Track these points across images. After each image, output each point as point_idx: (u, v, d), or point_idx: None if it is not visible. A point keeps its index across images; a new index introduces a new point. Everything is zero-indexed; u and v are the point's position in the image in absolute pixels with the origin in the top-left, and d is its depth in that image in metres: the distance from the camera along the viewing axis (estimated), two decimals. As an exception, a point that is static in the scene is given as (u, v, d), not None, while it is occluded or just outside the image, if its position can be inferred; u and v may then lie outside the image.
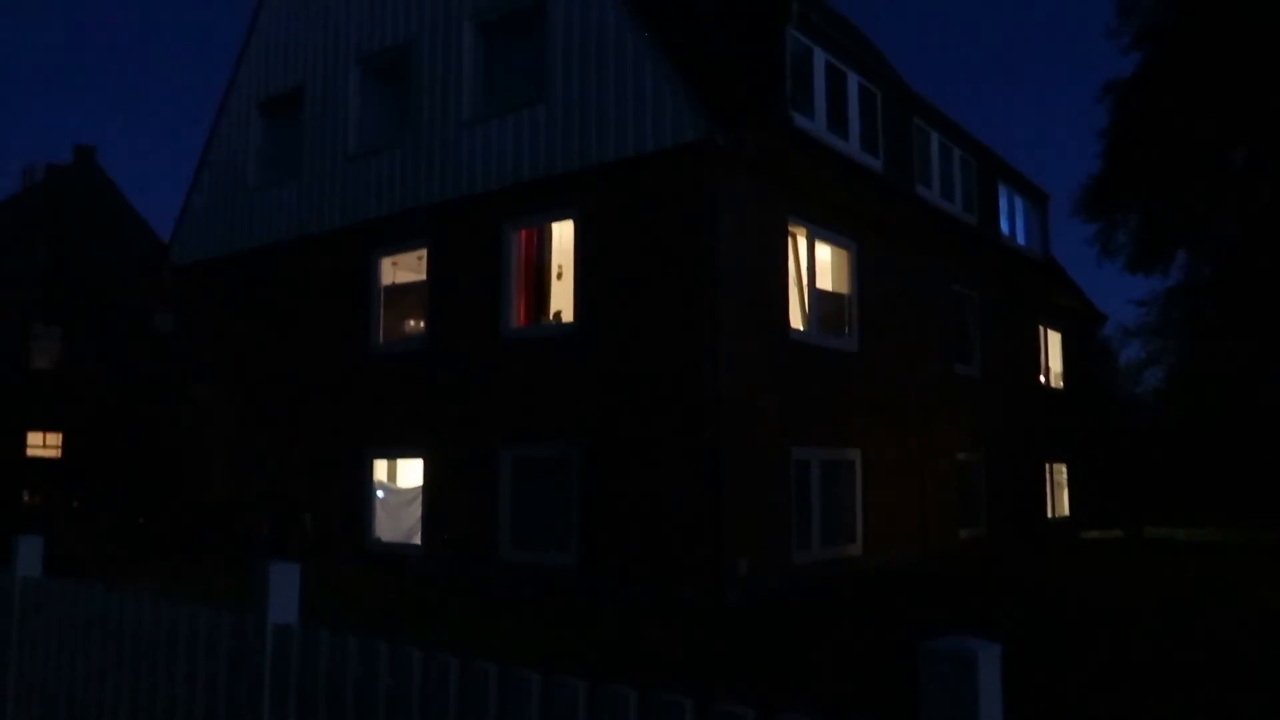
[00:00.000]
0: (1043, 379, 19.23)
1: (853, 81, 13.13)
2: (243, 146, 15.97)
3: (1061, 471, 19.63)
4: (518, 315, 11.88)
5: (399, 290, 13.63)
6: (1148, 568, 13.65)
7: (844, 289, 12.61)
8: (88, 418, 32.49)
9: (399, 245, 13.24)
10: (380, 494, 13.22)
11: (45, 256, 34.23)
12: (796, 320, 11.57)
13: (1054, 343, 20.02)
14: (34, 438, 33.00)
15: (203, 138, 16.94)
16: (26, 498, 25.22)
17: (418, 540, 12.41)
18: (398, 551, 12.49)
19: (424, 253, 12.91)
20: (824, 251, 12.40)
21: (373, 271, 13.43)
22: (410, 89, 13.29)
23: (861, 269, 12.70)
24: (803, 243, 11.81)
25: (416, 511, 12.57)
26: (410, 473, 13.34)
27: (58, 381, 33.14)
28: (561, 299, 11.83)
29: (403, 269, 13.68)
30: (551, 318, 11.92)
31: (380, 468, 13.37)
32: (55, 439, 33.37)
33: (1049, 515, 18.71)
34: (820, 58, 12.44)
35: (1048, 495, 18.78)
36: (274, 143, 15.71)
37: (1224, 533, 19.45)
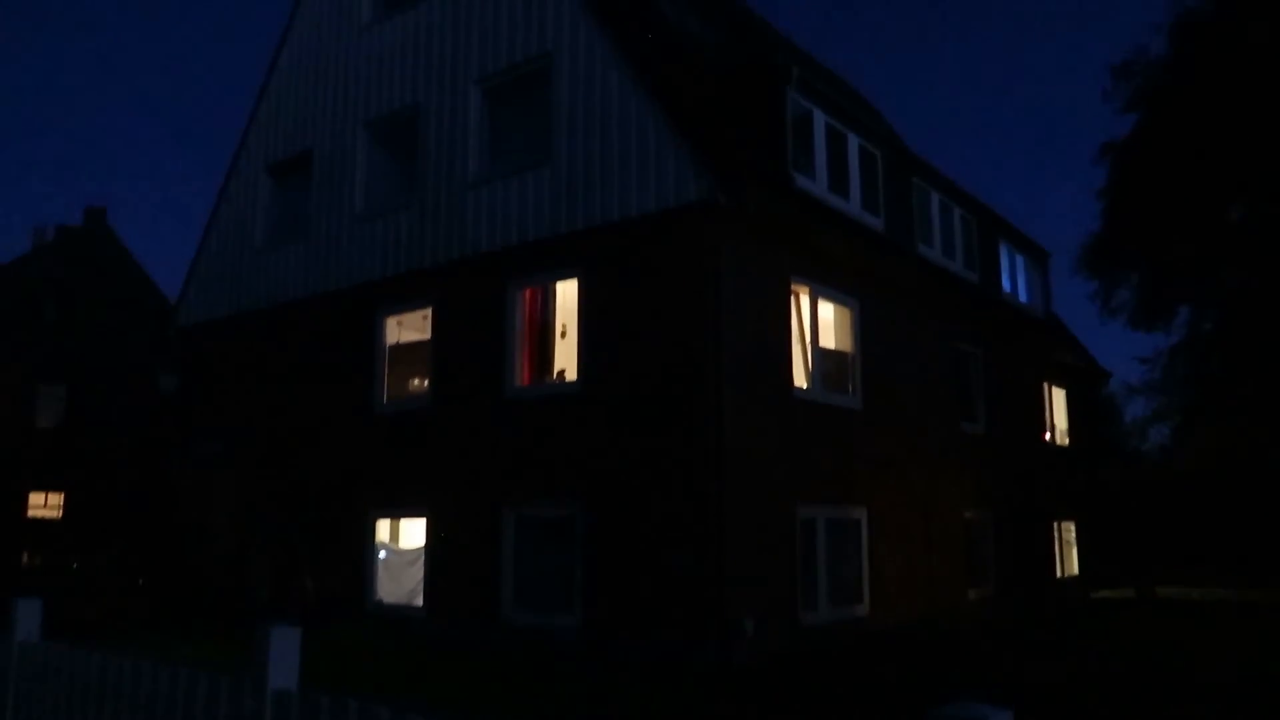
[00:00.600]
0: (1048, 436, 19.15)
1: (853, 142, 13.32)
2: (251, 208, 16.18)
3: (1070, 530, 19.44)
4: (521, 374, 11.90)
5: (403, 349, 13.68)
6: (1162, 630, 13.44)
7: (847, 347, 12.64)
8: (90, 478, 32.40)
9: (404, 305, 13.33)
10: (382, 554, 13.10)
11: (52, 316, 34.48)
12: (800, 378, 11.58)
13: (1059, 400, 19.98)
14: (36, 498, 32.88)
15: (212, 200, 17.18)
16: (26, 559, 25.05)
17: (420, 601, 12.27)
18: (400, 613, 12.34)
19: (429, 312, 12.98)
20: (827, 310, 12.46)
21: (378, 331, 13.50)
22: (416, 152, 13.49)
23: (864, 327, 12.74)
24: (805, 301, 11.87)
25: (419, 572, 12.45)
26: (413, 532, 13.24)
27: (61, 441, 33.13)
28: (565, 357, 11.86)
29: (407, 328, 13.75)
30: (555, 376, 11.94)
31: (383, 527, 13.28)
32: (57, 499, 33.24)
33: (1058, 575, 18.48)
34: (820, 119, 12.64)
35: (1056, 554, 18.56)
36: (282, 204, 15.91)
37: (1239, 593, 19.18)
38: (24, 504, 32.41)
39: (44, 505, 33.07)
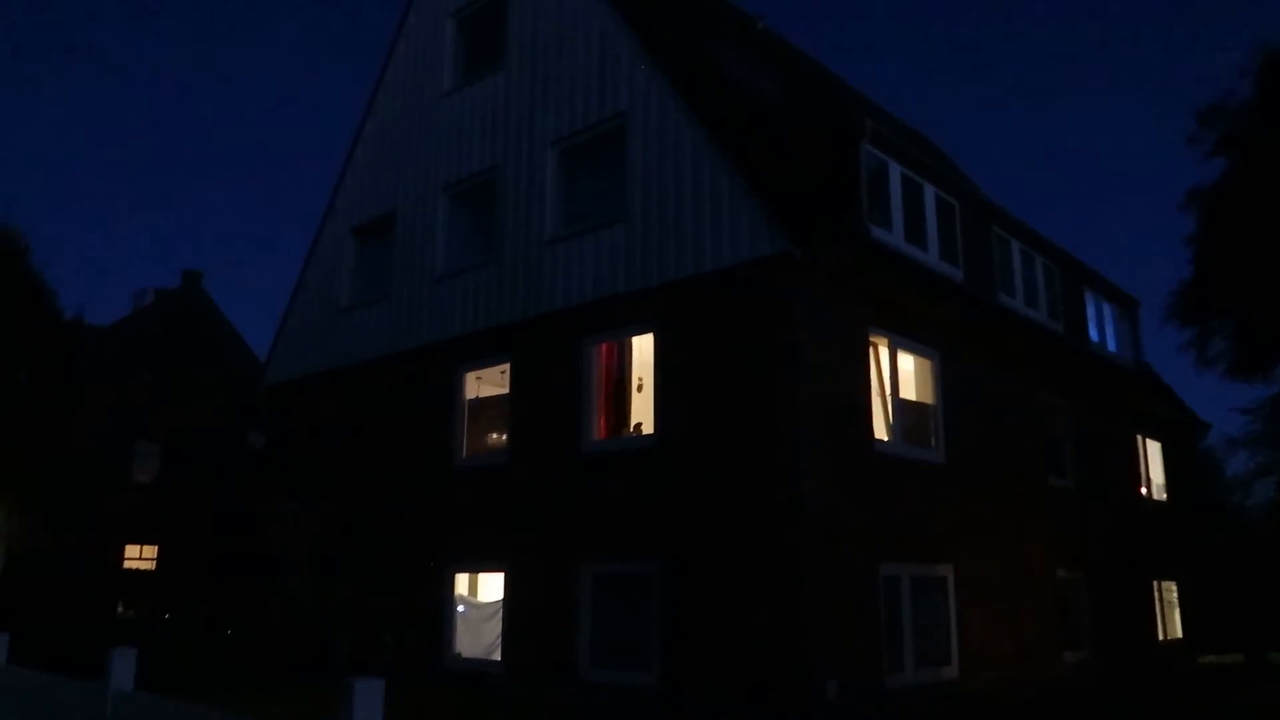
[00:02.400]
0: (1144, 491, 18.37)
1: (929, 193, 13.20)
2: (336, 270, 16.74)
3: (1171, 590, 18.50)
4: (598, 428, 11.94)
5: (482, 404, 13.88)
6: (1276, 697, 12.62)
7: (928, 399, 12.38)
8: (182, 532, 33.46)
9: (483, 361, 13.55)
10: (461, 609, 13.16)
11: (149, 376, 35.99)
12: (881, 431, 11.36)
13: (1154, 453, 19.19)
14: (131, 550, 34.08)
15: (300, 263, 17.84)
16: (121, 609, 25.87)
17: (497, 656, 12.25)
18: (477, 668, 12.33)
19: (507, 367, 13.17)
20: (906, 361, 12.25)
21: (457, 387, 13.73)
22: (494, 212, 13.83)
23: (945, 379, 12.48)
24: (884, 353, 11.70)
25: (497, 627, 12.45)
26: (491, 587, 13.29)
27: (156, 496, 34.35)
28: (642, 411, 11.87)
29: (486, 383, 13.96)
30: (632, 430, 11.95)
31: (461, 582, 13.35)
32: (151, 551, 34.38)
33: (1160, 638, 17.57)
34: (895, 170, 12.57)
35: (1158, 616, 17.67)
36: (365, 266, 16.43)
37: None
38: (120, 556, 33.60)
39: (139, 557, 34.23)
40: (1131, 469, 17.96)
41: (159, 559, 34.20)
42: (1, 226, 25.93)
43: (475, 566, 13.22)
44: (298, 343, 17.16)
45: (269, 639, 15.88)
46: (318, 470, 15.82)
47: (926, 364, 12.42)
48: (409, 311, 14.84)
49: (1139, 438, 18.47)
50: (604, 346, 12.12)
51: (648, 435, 11.34)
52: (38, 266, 26.54)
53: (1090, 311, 17.66)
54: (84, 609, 24.06)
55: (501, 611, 12.38)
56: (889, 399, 11.56)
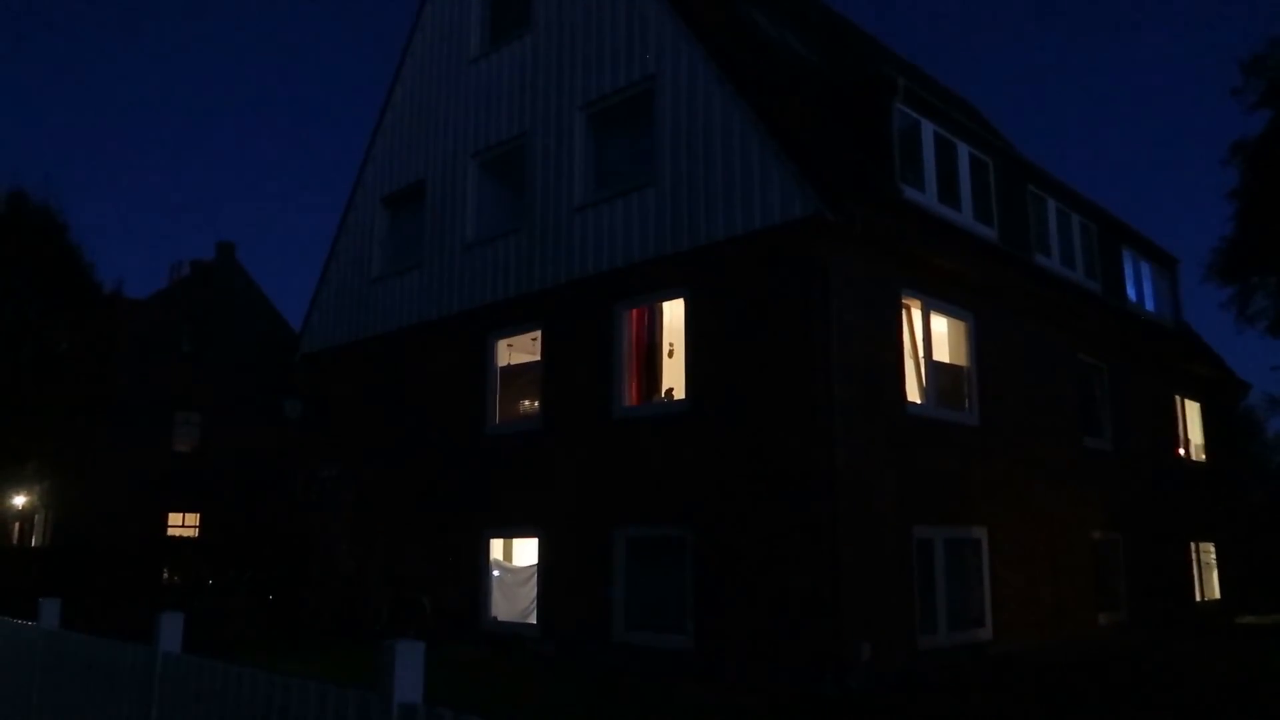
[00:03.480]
0: (1182, 452, 18.13)
1: (963, 151, 12.99)
2: (367, 239, 16.82)
3: (1209, 551, 18.32)
4: (630, 394, 11.97)
5: (514, 371, 13.95)
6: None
7: (962, 361, 12.27)
8: (223, 499, 34.14)
9: (514, 328, 13.61)
10: (496, 574, 13.34)
11: (188, 347, 36.57)
12: (914, 394, 11.29)
13: (1192, 414, 18.91)
14: (174, 518, 34.86)
15: (333, 232, 17.94)
16: (166, 575, 26.48)
17: (533, 620, 12.43)
18: (514, 631, 12.52)
19: (538, 334, 13.22)
20: (940, 323, 12.13)
21: (489, 354, 13.81)
22: (524, 179, 13.80)
23: (980, 340, 12.35)
24: (917, 315, 11.59)
25: (532, 591, 12.62)
26: (526, 552, 13.45)
27: (197, 464, 35.04)
28: (673, 377, 11.88)
29: (518, 350, 14.02)
30: (663, 396, 11.97)
31: (496, 547, 13.52)
32: (194, 519, 35.15)
33: (1198, 599, 17.43)
34: (928, 129, 12.38)
35: (1195, 577, 17.52)
36: (396, 235, 16.50)
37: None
38: (164, 523, 34.37)
39: (181, 524, 35.01)
40: (1170, 430, 17.73)
41: (201, 526, 34.96)
42: (41, 204, 26.36)
43: (510, 531, 13.38)
44: (331, 312, 17.32)
45: (310, 603, 16.21)
46: (354, 437, 16.03)
47: (961, 325, 12.29)
48: (440, 280, 14.90)
49: (1177, 398, 18.21)
50: (635, 312, 12.12)
51: (679, 400, 11.36)
52: (76, 241, 27.00)
53: (1128, 270, 17.36)
54: (131, 576, 24.65)
55: (536, 575, 12.54)
56: (922, 361, 11.48)
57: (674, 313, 11.80)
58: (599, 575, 11.52)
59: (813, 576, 9.58)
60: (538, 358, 13.26)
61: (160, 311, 36.31)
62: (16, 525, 36.81)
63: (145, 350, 34.02)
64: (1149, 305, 17.98)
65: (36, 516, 35.67)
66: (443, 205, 15.23)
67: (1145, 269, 18.13)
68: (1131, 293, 17.31)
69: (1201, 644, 14.03)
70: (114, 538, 29.68)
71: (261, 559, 23.21)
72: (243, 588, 21.26)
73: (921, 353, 11.49)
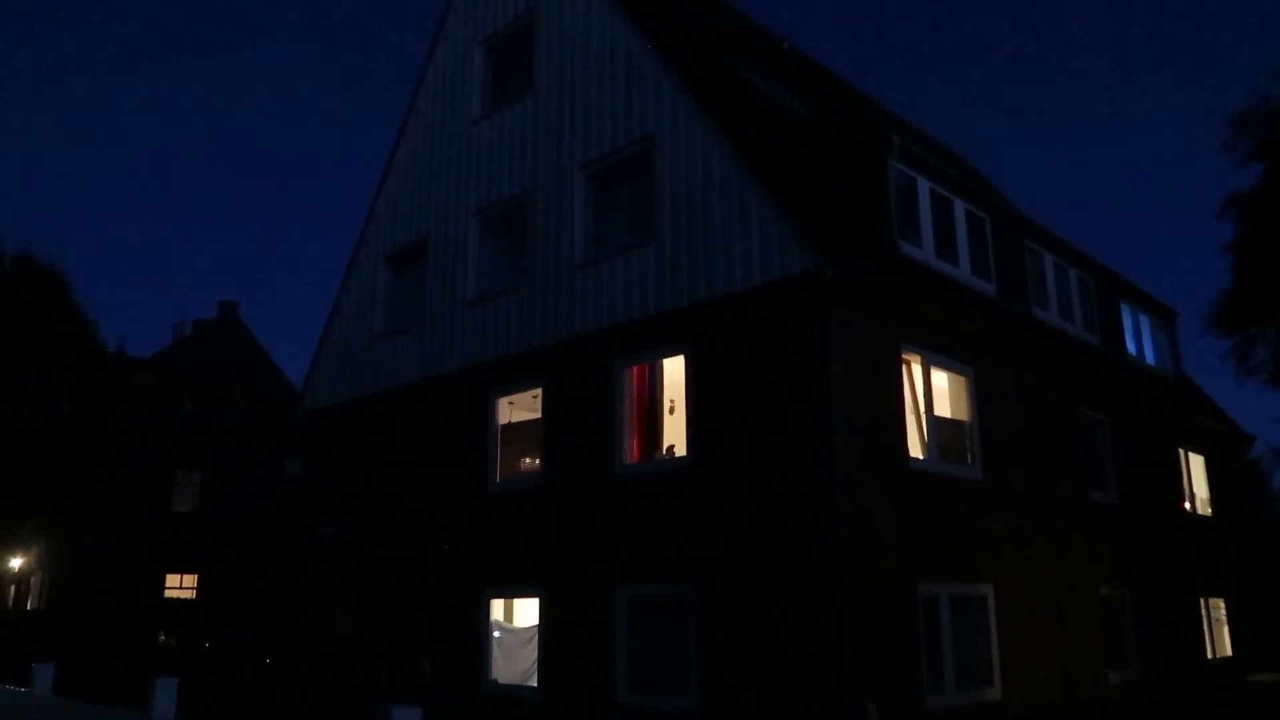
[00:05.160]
0: (1187, 506, 18.00)
1: (959, 207, 13.12)
2: (370, 297, 16.93)
3: (1219, 607, 18.07)
4: (631, 451, 11.93)
5: (515, 429, 13.93)
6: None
7: (963, 416, 12.24)
8: (222, 560, 33.82)
9: (515, 385, 13.61)
10: (497, 634, 13.16)
11: (189, 406, 36.56)
12: (915, 449, 11.25)
13: (1196, 467, 18.81)
14: (172, 579, 34.50)
15: (335, 290, 18.05)
16: (163, 638, 26.17)
17: (534, 681, 12.22)
18: (514, 693, 12.30)
19: (539, 391, 13.22)
20: (940, 378, 12.13)
21: (490, 412, 13.80)
22: (525, 237, 13.93)
23: (981, 394, 12.34)
24: (918, 369, 11.60)
25: (533, 652, 12.43)
26: (527, 612, 13.28)
27: (196, 525, 34.78)
28: (674, 434, 11.85)
29: (519, 408, 14.01)
30: (665, 453, 11.92)
31: (497, 607, 13.36)
32: (191, 580, 34.77)
33: (1209, 655, 17.15)
34: (924, 186, 12.52)
35: (1206, 633, 17.25)
36: (398, 292, 16.60)
37: None
38: (161, 585, 34.00)
39: (179, 586, 34.63)
40: (1174, 483, 17.62)
41: (199, 587, 34.57)
42: (46, 263, 26.57)
43: (511, 591, 13.23)
44: (333, 370, 17.35)
45: (308, 666, 15.96)
46: (354, 495, 15.94)
47: (961, 380, 12.29)
48: (442, 337, 14.96)
49: (1181, 451, 18.13)
50: (635, 369, 12.13)
51: (681, 457, 11.32)
52: (80, 300, 27.14)
53: (1127, 323, 17.41)
54: (126, 638, 24.33)
55: (537, 636, 12.36)
56: (923, 416, 11.46)
57: (675, 369, 11.82)
58: (601, 635, 11.36)
59: (817, 634, 9.45)
60: (539, 415, 13.24)
61: (162, 371, 36.36)
62: (12, 588, 36.43)
63: (146, 409, 33.99)
64: (1149, 358, 18.00)
65: (32, 579, 35.31)
66: (445, 263, 15.35)
67: (1144, 321, 18.19)
68: (1131, 345, 17.34)
69: (1214, 703, 13.77)
70: (110, 600, 29.37)
71: (260, 621, 22.92)
72: (240, 650, 20.97)
73: (923, 407, 11.47)
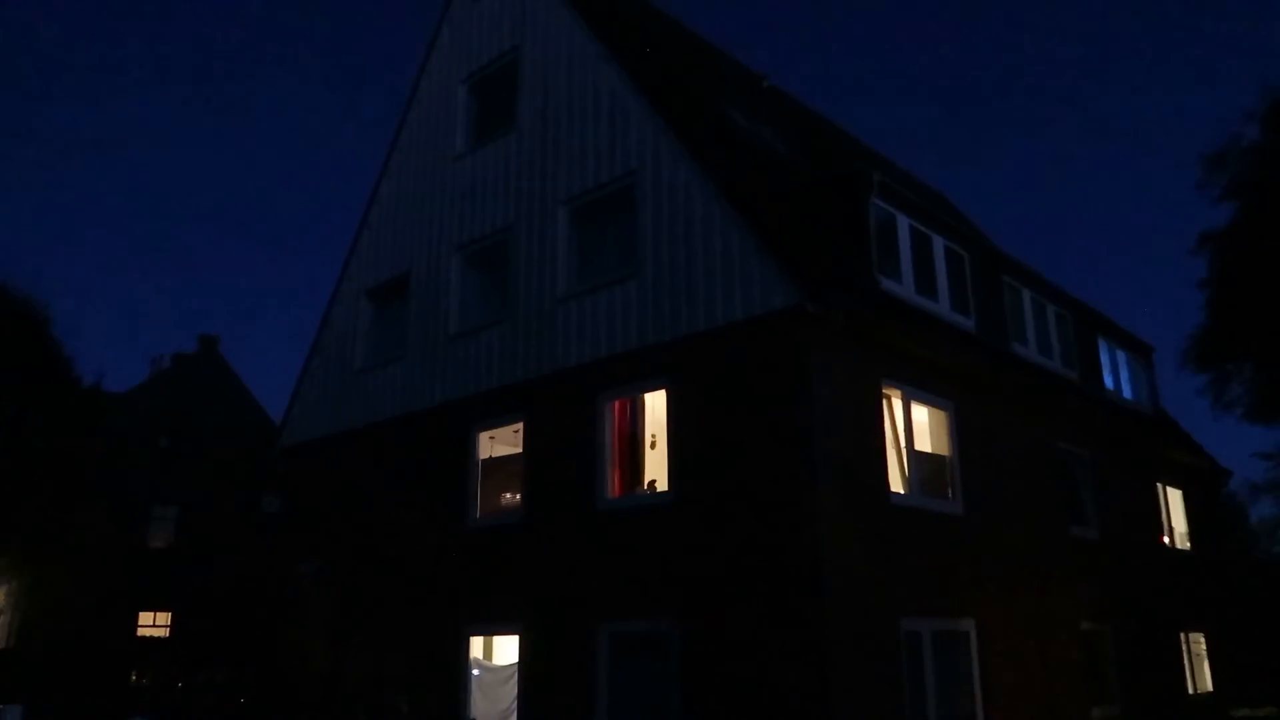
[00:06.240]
0: (1166, 540, 18.08)
1: (938, 244, 13.26)
2: (351, 331, 16.87)
3: (1199, 641, 18.10)
4: (612, 486, 11.89)
5: (496, 464, 13.85)
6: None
7: (944, 450, 12.29)
8: (197, 598, 33.27)
9: (496, 420, 13.56)
10: (476, 672, 12.99)
11: (166, 441, 36.15)
12: (897, 483, 11.26)
13: (1175, 501, 18.92)
14: (145, 617, 33.84)
15: (316, 325, 17.99)
16: (135, 677, 25.66)
17: (514, 721, 12.05)
18: (494, 734, 12.12)
19: (520, 426, 13.17)
20: (921, 413, 12.19)
21: (470, 446, 13.72)
22: (507, 271, 13.96)
23: (961, 429, 12.40)
24: (898, 404, 11.65)
25: (513, 690, 12.27)
26: (506, 649, 13.13)
27: (171, 562, 34.23)
28: (656, 468, 11.82)
29: (500, 442, 13.95)
30: (646, 487, 11.89)
31: (477, 645, 13.20)
32: (165, 618, 34.13)
33: (1190, 690, 17.14)
34: (904, 223, 12.66)
35: (1186, 668, 17.26)
36: (380, 327, 16.56)
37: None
38: (135, 623, 33.38)
39: (153, 624, 33.99)
40: (1153, 518, 17.71)
41: (173, 625, 33.94)
42: (24, 297, 26.36)
43: (491, 628, 13.08)
44: (313, 405, 17.23)
45: (283, 706, 15.68)
46: (333, 532, 15.77)
47: (941, 415, 12.35)
48: (423, 372, 14.91)
49: (1159, 485, 18.24)
50: (617, 403, 12.12)
51: (662, 492, 11.28)
52: (58, 336, 26.89)
53: (1105, 359, 17.59)
54: (97, 678, 23.84)
55: (517, 674, 12.21)
56: (904, 451, 11.49)
57: (656, 404, 11.81)
58: (582, 673, 11.23)
59: (800, 672, 9.38)
60: (520, 450, 13.18)
61: (139, 405, 35.99)
62: (-18, 626, 35.68)
63: (122, 444, 33.58)
64: (1126, 393, 18.16)
65: (2, 618, 34.62)
66: (427, 298, 15.34)
67: (1121, 357, 18.38)
68: (1109, 380, 17.50)
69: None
70: (82, 639, 28.80)
71: (234, 660, 22.54)
72: (214, 690, 20.60)
73: (903, 442, 11.51)
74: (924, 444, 12.18)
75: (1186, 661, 17.33)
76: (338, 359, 16.97)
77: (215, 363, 39.52)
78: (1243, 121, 30.54)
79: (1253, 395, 22.13)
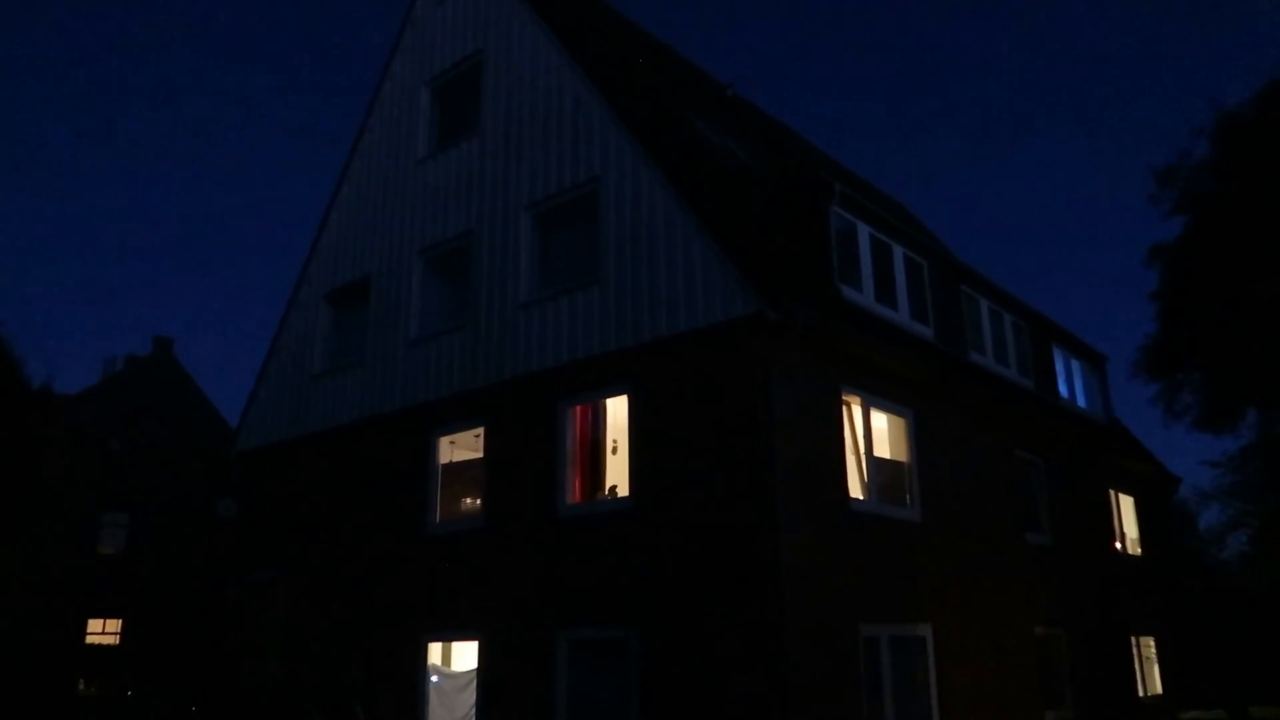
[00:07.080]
0: (1118, 546, 18.42)
1: (898, 253, 13.41)
2: (310, 335, 16.67)
3: (1149, 646, 18.45)
4: (574, 492, 11.86)
5: (456, 469, 13.75)
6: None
7: (903, 457, 12.42)
8: (148, 604, 32.62)
9: (457, 425, 13.47)
10: (434, 679, 12.87)
11: (118, 446, 35.42)
12: (856, 490, 11.36)
13: (1127, 508, 19.29)
14: (94, 624, 33.11)
15: (273, 328, 17.75)
16: (83, 686, 25.07)
17: (472, 729, 11.95)
18: (452, 742, 12.02)
19: (481, 431, 13.09)
20: (880, 420, 12.31)
21: (430, 451, 13.61)
22: (469, 276, 13.89)
23: (919, 436, 12.54)
24: (858, 411, 11.76)
25: (471, 697, 12.18)
26: (465, 655, 13.03)
27: (121, 568, 33.54)
28: (617, 474, 11.81)
29: (460, 448, 13.85)
30: (607, 493, 11.87)
31: (435, 651, 13.08)
32: (115, 625, 33.42)
33: (1141, 694, 17.46)
34: (864, 232, 12.78)
35: (1137, 672, 17.58)
36: (340, 331, 16.38)
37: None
38: (84, 631, 32.64)
39: (102, 631, 33.26)
40: (1105, 524, 18.03)
41: (123, 633, 33.24)
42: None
43: (450, 634, 12.97)
44: (270, 409, 17.00)
45: (236, 715, 15.42)
46: (289, 538, 15.55)
47: (900, 422, 12.48)
48: (382, 376, 14.77)
49: (1112, 492, 18.58)
50: (579, 409, 12.10)
51: (623, 498, 11.28)
52: (7, 335, 26.24)
53: (1059, 368, 17.88)
54: (44, 687, 23.27)
55: (475, 680, 12.12)
56: (863, 458, 11.59)
57: (617, 410, 11.81)
58: (541, 680, 11.18)
59: (759, 677, 9.42)
60: (481, 454, 13.11)
61: (91, 408, 35.23)
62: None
63: (73, 448, 32.85)
64: (1081, 401, 18.48)
65: (-55, 625, 33.70)
66: (387, 302, 15.20)
67: (1076, 366, 18.70)
68: (1064, 389, 17.80)
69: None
70: (29, 647, 28.10)
71: (186, 668, 22.13)
72: (164, 699, 20.20)
73: (863, 449, 11.61)
74: (883, 451, 12.30)
75: (1137, 665, 17.65)
76: (296, 363, 16.76)
77: (170, 365, 38.81)
78: (1191, 138, 31.30)
79: (1202, 404, 22.68)
